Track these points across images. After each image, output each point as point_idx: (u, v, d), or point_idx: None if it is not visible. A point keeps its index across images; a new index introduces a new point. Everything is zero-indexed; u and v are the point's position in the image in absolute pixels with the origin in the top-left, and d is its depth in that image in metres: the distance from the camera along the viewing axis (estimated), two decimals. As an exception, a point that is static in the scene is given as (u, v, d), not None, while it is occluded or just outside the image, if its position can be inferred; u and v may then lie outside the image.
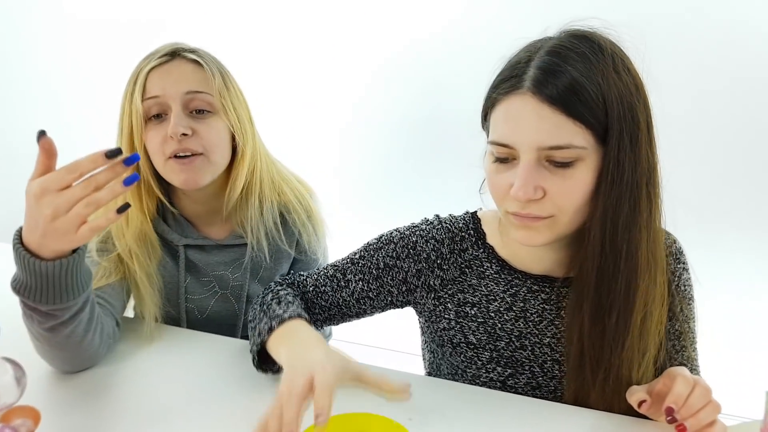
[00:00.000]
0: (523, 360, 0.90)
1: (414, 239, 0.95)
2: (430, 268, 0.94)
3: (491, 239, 0.94)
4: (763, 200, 1.72)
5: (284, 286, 0.97)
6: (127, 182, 0.68)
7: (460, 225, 0.95)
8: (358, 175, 2.10)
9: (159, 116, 0.96)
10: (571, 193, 0.75)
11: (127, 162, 0.67)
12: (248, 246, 1.08)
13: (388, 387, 0.73)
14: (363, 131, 2.07)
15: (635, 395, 0.79)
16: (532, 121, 0.74)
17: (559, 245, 0.86)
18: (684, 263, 0.92)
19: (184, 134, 0.94)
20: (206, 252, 1.06)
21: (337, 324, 1.02)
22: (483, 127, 0.85)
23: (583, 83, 0.73)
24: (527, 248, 0.90)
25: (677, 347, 0.91)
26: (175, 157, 0.95)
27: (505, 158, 0.78)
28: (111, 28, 2.23)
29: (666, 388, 0.77)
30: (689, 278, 0.92)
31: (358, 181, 2.09)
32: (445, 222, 0.96)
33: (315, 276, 0.99)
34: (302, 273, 1.01)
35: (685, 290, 0.92)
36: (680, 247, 0.92)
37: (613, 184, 0.75)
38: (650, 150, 0.78)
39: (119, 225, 0.99)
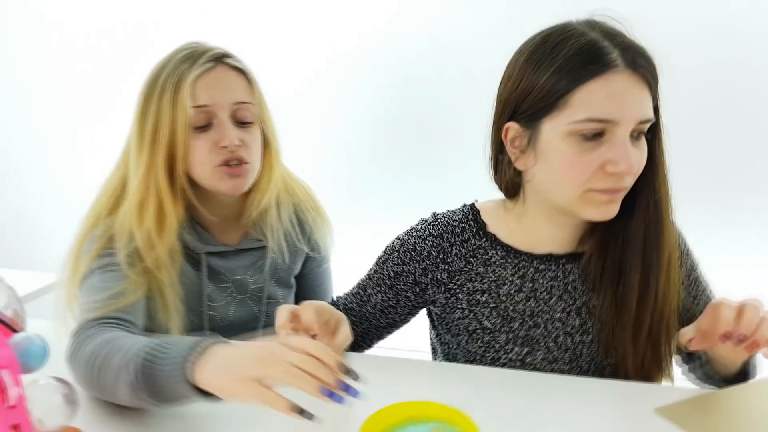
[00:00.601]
0: (538, 337, 0.97)
1: (412, 241, 1.00)
2: (435, 264, 0.99)
3: (492, 228, 0.99)
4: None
5: None
6: (338, 399, 0.66)
7: (459, 217, 1.01)
8: (337, 175, 2.12)
9: (204, 125, 0.96)
10: (643, 161, 0.85)
11: (349, 393, 0.65)
12: (269, 249, 1.11)
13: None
14: (342, 130, 2.09)
15: (685, 336, 0.84)
16: (635, 96, 0.82)
17: (565, 224, 0.94)
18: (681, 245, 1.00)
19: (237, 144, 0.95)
20: (225, 258, 1.08)
21: (377, 338, 1.09)
22: (523, 113, 0.88)
23: (653, 59, 0.84)
24: (532, 231, 0.97)
25: (698, 292, 1.00)
26: (226, 165, 0.97)
27: (596, 134, 0.82)
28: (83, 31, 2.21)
29: (711, 321, 0.81)
30: (689, 256, 1.02)
31: (338, 182, 2.11)
32: (441, 217, 1.02)
33: (344, 296, 1.08)
34: (336, 297, 1.09)
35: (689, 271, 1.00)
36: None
37: (662, 155, 0.89)
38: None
39: (150, 236, 0.96)
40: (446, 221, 1.00)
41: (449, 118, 1.89)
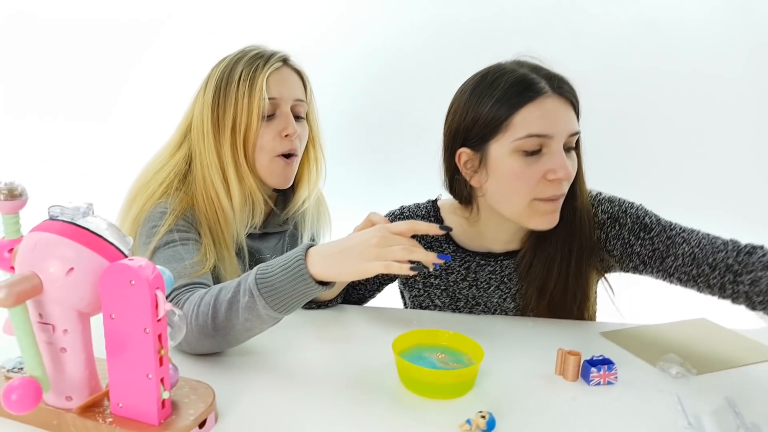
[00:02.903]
0: (479, 313, 1.20)
1: None
2: None
3: (447, 224, 1.20)
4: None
5: None
6: (445, 258, 0.88)
7: (423, 212, 1.23)
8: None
9: (270, 115, 1.09)
10: (575, 170, 1.03)
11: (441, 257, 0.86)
12: (296, 234, 1.27)
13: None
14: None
15: None
16: (563, 114, 1.01)
17: (508, 229, 1.14)
18: (613, 213, 1.11)
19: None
20: (253, 239, 1.21)
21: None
22: (472, 138, 1.04)
23: (573, 88, 1.03)
24: (478, 235, 1.17)
25: (654, 236, 1.07)
26: (283, 155, 1.11)
27: (535, 150, 1.00)
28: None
29: None
30: (630, 210, 1.10)
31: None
32: (407, 210, 1.24)
33: None
34: None
35: (635, 221, 1.08)
36: (606, 207, 1.12)
37: (580, 165, 1.08)
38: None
39: (232, 214, 1.08)
40: (410, 214, 1.23)
41: (417, 117, 2.06)
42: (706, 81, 1.89)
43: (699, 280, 1.00)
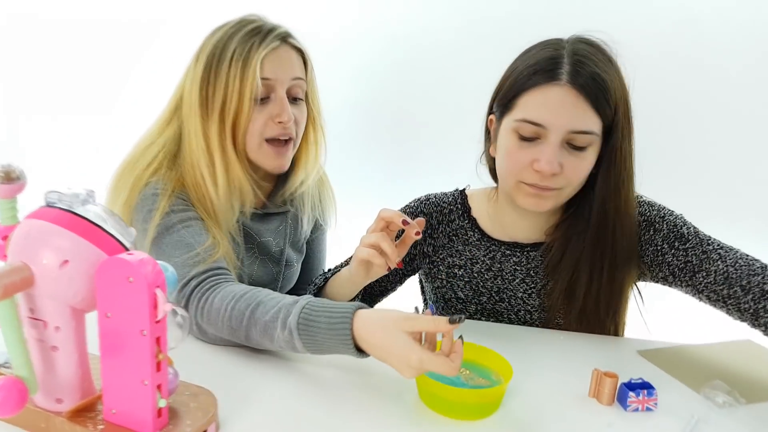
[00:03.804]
0: (503, 310, 1.13)
1: None
2: (423, 238, 1.14)
3: (475, 213, 1.14)
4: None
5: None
6: None
7: (449, 200, 1.16)
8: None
9: (263, 98, 1.00)
10: (581, 171, 0.97)
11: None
12: (300, 217, 1.19)
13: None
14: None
15: None
16: (568, 108, 0.92)
17: (525, 215, 1.07)
18: (650, 217, 1.04)
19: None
20: (254, 220, 1.14)
21: (370, 305, 1.18)
22: (496, 108, 1.01)
23: (606, 80, 0.93)
24: (501, 218, 1.11)
25: (689, 248, 1.00)
26: (273, 141, 1.02)
27: (531, 137, 0.95)
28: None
29: None
30: (668, 217, 1.04)
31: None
32: (433, 197, 1.17)
33: (337, 269, 1.15)
34: (325, 270, 1.17)
35: (671, 229, 1.02)
36: (643, 210, 1.05)
37: (618, 169, 0.98)
38: (633, 143, 1.00)
39: (223, 198, 1.01)
40: (437, 202, 1.16)
41: (432, 108, 2.00)
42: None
43: (729, 302, 0.95)
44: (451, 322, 0.71)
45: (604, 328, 1.07)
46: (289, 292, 1.28)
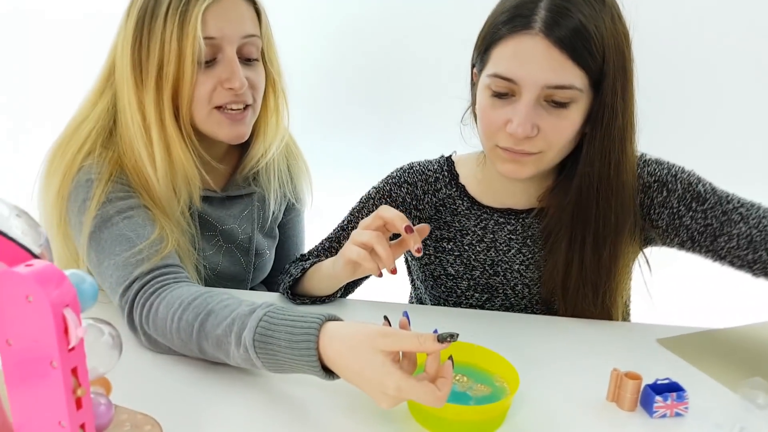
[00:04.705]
0: (497, 285, 1.01)
1: (388, 188, 1.03)
2: (408, 211, 1.02)
3: (463, 179, 1.02)
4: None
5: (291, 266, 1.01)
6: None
7: (435, 167, 1.04)
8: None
9: (209, 61, 0.85)
10: (563, 131, 0.84)
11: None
12: (266, 196, 1.05)
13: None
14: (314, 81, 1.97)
15: None
16: (541, 61, 0.79)
17: (523, 181, 0.95)
18: (661, 177, 0.92)
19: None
20: (213, 205, 1.00)
21: (352, 289, 1.07)
22: (475, 59, 0.90)
23: (589, 29, 0.79)
24: (491, 183, 0.99)
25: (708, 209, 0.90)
26: (223, 108, 0.88)
27: (504, 93, 0.83)
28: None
29: None
30: (682, 176, 0.92)
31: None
32: (417, 166, 1.04)
33: (315, 252, 1.05)
34: (303, 254, 1.05)
35: (686, 189, 0.91)
36: (652, 170, 0.93)
37: (607, 128, 0.84)
38: (633, 98, 0.87)
39: (154, 185, 0.87)
40: (421, 170, 1.03)
41: (421, 67, 1.83)
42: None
43: (755, 267, 0.87)
44: (440, 340, 0.58)
45: (593, 313, 0.95)
46: (264, 282, 1.16)
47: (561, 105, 0.82)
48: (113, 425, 0.60)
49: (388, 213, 0.78)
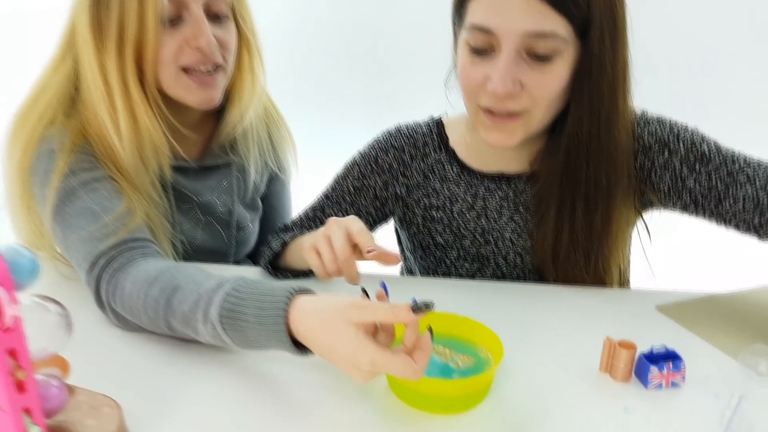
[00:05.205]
0: (488, 254, 0.96)
1: (374, 154, 0.98)
2: (395, 177, 0.97)
3: (453, 143, 0.97)
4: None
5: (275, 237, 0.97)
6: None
7: (423, 130, 0.98)
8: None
9: (173, 19, 0.79)
10: (548, 86, 0.78)
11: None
12: (246, 166, 1.00)
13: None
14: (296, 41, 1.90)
15: None
16: (519, 7, 0.73)
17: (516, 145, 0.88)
18: (663, 136, 0.86)
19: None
20: (188, 176, 0.95)
21: None
22: (454, 16, 0.83)
23: None
24: (483, 149, 0.94)
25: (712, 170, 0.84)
26: (192, 71, 0.82)
27: (483, 49, 0.77)
28: None
29: None
30: (684, 134, 0.86)
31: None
32: (405, 129, 0.99)
33: (299, 222, 1.00)
34: (285, 224, 1.01)
35: (689, 149, 0.85)
36: (653, 129, 0.87)
37: (596, 82, 0.78)
38: (626, 48, 0.80)
39: (120, 155, 0.82)
40: (409, 133, 0.98)
41: (408, 29, 1.77)
42: None
43: (762, 231, 0.82)
44: (415, 310, 0.54)
45: (585, 280, 0.89)
46: (250, 256, 1.12)
47: (544, 58, 0.76)
48: (69, 407, 0.56)
49: (355, 228, 0.73)
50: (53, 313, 0.51)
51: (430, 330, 0.57)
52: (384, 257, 0.71)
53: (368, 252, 0.70)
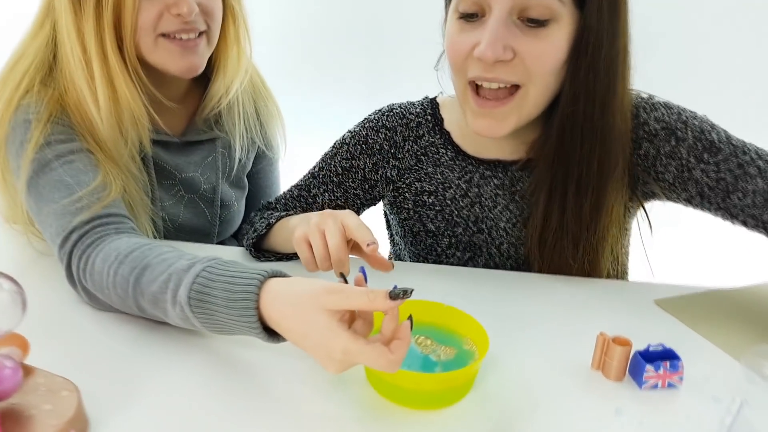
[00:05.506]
0: (481, 243, 0.92)
1: (365, 133, 0.94)
2: (386, 159, 0.94)
3: (449, 125, 0.93)
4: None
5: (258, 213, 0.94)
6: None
7: (417, 110, 0.94)
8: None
9: None
10: (543, 56, 0.73)
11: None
12: (231, 142, 0.96)
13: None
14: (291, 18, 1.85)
15: None
16: None
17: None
18: (670, 123, 0.81)
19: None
20: (170, 151, 0.92)
21: None
22: None
23: None
24: (471, 133, 0.87)
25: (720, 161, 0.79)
26: (171, 36, 0.79)
27: (473, 14, 0.74)
28: None
29: None
30: (693, 122, 0.81)
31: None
32: (398, 108, 0.95)
33: (283, 201, 0.97)
34: (269, 201, 0.97)
35: (697, 137, 0.80)
36: (660, 115, 0.82)
37: (592, 57, 0.74)
38: (626, 26, 0.76)
39: (98, 127, 0.79)
40: (402, 113, 0.94)
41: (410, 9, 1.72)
42: None
43: None
44: (393, 297, 0.50)
45: (572, 269, 0.85)
46: (235, 236, 1.08)
47: (539, 23, 0.71)
48: (24, 389, 0.53)
49: (351, 222, 0.69)
50: (6, 290, 0.48)
51: (410, 319, 0.53)
52: (379, 262, 0.68)
53: (368, 245, 0.66)
